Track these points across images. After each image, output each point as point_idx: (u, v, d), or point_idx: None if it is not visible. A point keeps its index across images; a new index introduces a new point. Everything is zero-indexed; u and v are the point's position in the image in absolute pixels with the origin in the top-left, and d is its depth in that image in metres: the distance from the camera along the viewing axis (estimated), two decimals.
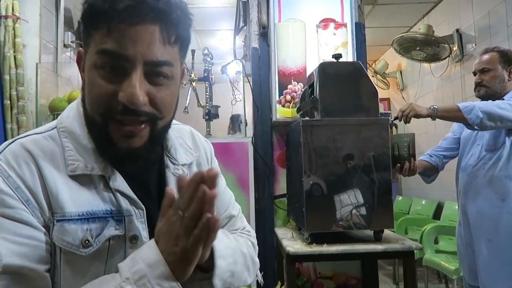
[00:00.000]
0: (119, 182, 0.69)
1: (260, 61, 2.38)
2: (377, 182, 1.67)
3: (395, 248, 1.67)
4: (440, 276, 3.77)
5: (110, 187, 0.68)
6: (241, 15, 2.67)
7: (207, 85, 2.41)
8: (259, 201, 2.33)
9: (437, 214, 4.06)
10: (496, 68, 1.98)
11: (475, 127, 1.80)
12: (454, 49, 3.61)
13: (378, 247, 1.66)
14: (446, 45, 3.55)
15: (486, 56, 2.04)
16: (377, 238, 1.73)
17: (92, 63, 0.64)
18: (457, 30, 3.62)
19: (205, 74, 2.39)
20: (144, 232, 0.69)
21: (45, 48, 2.36)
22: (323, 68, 1.71)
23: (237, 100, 2.38)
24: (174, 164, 0.78)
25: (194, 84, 2.48)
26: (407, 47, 3.70)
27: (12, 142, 0.67)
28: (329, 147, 1.67)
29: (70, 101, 2.18)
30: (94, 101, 0.65)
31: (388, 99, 5.52)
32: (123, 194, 0.69)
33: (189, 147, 0.84)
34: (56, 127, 0.70)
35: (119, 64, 0.62)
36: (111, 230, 0.66)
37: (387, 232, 1.81)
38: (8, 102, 2.11)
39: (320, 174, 1.67)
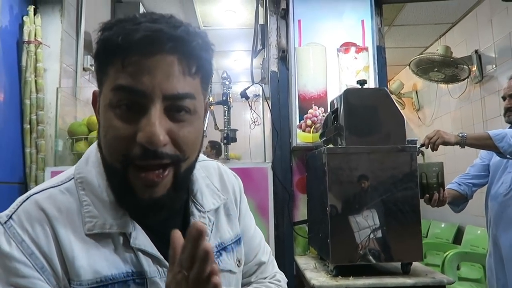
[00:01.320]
0: (140, 239, 0.63)
1: (279, 84, 2.36)
2: (406, 213, 1.61)
3: (425, 282, 1.59)
4: None
5: (131, 246, 0.62)
6: (259, 38, 2.66)
7: (225, 108, 2.39)
8: (278, 228, 2.27)
9: (457, 238, 3.94)
10: None
11: (507, 156, 1.74)
12: (473, 70, 3.56)
13: (407, 281, 1.59)
14: (464, 66, 3.50)
15: None
16: (405, 270, 1.66)
17: (108, 102, 0.58)
18: (476, 51, 3.57)
19: (224, 98, 2.37)
20: None
21: (65, 72, 2.37)
22: (348, 94, 1.67)
23: (256, 124, 2.34)
24: (200, 211, 0.71)
25: (211, 107, 2.46)
26: (425, 68, 3.65)
27: (27, 199, 0.62)
28: (355, 176, 1.62)
29: (89, 125, 2.17)
30: (112, 146, 0.58)
31: None
32: (146, 253, 0.63)
33: (216, 188, 0.78)
34: (73, 178, 0.65)
35: (135, 100, 0.57)
36: None
37: (414, 263, 1.74)
38: (28, 126, 2.10)
39: (345, 204, 1.61)
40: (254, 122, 2.33)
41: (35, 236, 0.58)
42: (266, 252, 0.88)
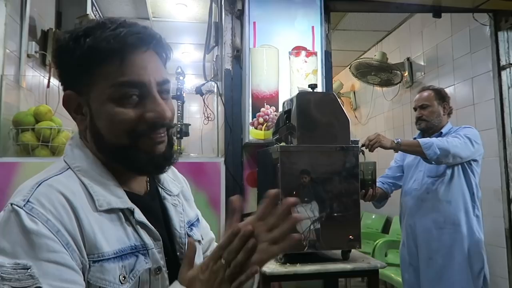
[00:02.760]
0: (140, 215, 0.73)
1: (232, 82, 2.45)
2: (348, 205, 1.80)
3: (362, 267, 1.80)
4: (386, 286, 4.01)
5: (135, 219, 0.72)
6: (212, 35, 2.72)
7: (179, 103, 2.43)
8: (228, 219, 2.37)
9: (385, 228, 4.33)
10: (433, 104, 2.25)
11: (432, 162, 2.00)
12: (405, 75, 3.91)
13: (347, 266, 1.78)
14: (398, 71, 3.83)
15: (424, 94, 2.30)
16: (345, 257, 1.85)
17: (107, 97, 0.70)
18: (408, 59, 3.93)
19: (178, 93, 2.41)
20: (162, 262, 0.75)
21: (8, 59, 2.26)
22: (300, 97, 1.82)
23: (210, 119, 2.42)
24: (170, 195, 0.85)
25: None
26: (363, 72, 3.94)
27: (39, 185, 0.67)
28: (305, 172, 1.77)
29: (36, 115, 2.11)
30: (118, 129, 0.70)
31: None
32: (145, 227, 0.73)
33: (172, 178, 0.91)
34: (69, 168, 0.73)
35: (137, 90, 0.70)
36: (142, 264, 0.71)
37: (352, 250, 1.94)
38: None
39: (295, 197, 1.76)
40: (208, 117, 2.40)
41: (59, 215, 0.64)
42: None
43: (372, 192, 2.01)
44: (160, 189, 0.85)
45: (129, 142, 0.71)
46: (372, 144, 1.99)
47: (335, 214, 1.78)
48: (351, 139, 1.86)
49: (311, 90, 1.87)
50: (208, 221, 2.18)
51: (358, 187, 1.82)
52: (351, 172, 1.81)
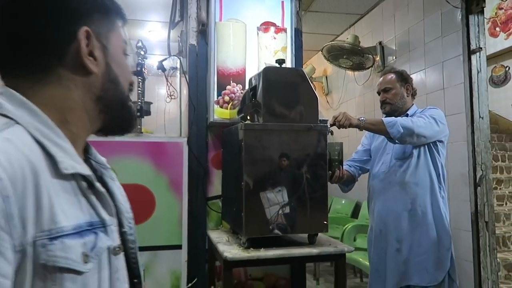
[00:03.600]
0: (99, 185, 0.65)
1: (197, 58, 2.31)
2: (315, 188, 1.72)
3: (329, 251, 1.73)
4: (355, 271, 4.03)
5: (96, 189, 0.64)
6: (177, 9, 2.56)
7: (139, 80, 2.27)
8: (192, 203, 2.26)
9: (355, 213, 4.34)
10: (396, 87, 2.20)
11: (396, 141, 1.95)
12: (377, 59, 3.87)
13: (313, 250, 1.71)
14: (370, 55, 3.79)
15: (386, 77, 2.25)
16: (312, 241, 1.78)
17: (122, 50, 0.73)
18: (380, 43, 3.88)
19: (138, 68, 2.26)
20: (119, 241, 0.67)
21: None
22: (267, 72, 1.71)
23: (172, 98, 2.28)
24: (104, 168, 0.75)
25: None
26: (335, 54, 3.87)
27: None
28: (270, 152, 1.68)
29: None
30: (128, 80, 0.74)
31: None
32: (102, 200, 0.65)
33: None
34: (16, 122, 0.57)
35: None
36: (104, 241, 0.61)
37: (319, 234, 1.87)
38: None
39: (260, 180, 1.66)
40: (170, 96, 2.26)
41: (14, 177, 0.50)
42: None
43: (339, 174, 1.95)
44: (92, 161, 0.74)
45: (127, 93, 0.73)
46: (342, 123, 1.92)
47: (302, 197, 1.70)
48: (320, 118, 1.77)
49: (279, 66, 1.76)
50: (168, 205, 2.06)
51: (326, 168, 1.75)
52: (319, 153, 1.73)
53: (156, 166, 2.07)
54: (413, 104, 2.24)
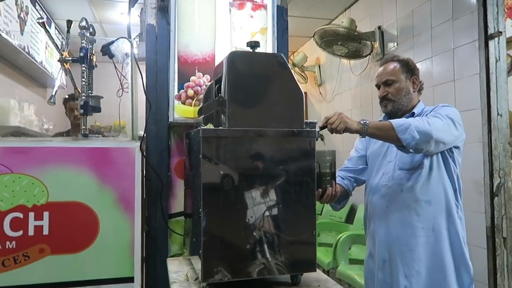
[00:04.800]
0: None
1: (157, 42, 1.85)
2: (300, 215, 1.29)
3: None
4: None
5: None
6: None
7: (84, 68, 1.81)
8: (151, 222, 1.83)
9: (349, 217, 3.93)
10: (400, 79, 1.74)
11: (410, 150, 1.51)
12: (376, 46, 3.43)
13: None
14: (368, 42, 3.34)
15: (389, 67, 1.79)
16: (295, 282, 1.36)
17: None
18: (379, 27, 3.44)
19: (81, 54, 1.80)
20: None
21: None
22: (235, 59, 1.26)
23: (125, 91, 1.83)
24: None
25: (66, 65, 1.87)
26: (329, 40, 3.43)
27: None
28: (238, 167, 1.24)
29: None
30: None
31: (305, 93, 5.30)
32: None
33: None
34: None
35: None
36: None
37: None
38: None
39: (224, 205, 1.23)
40: (123, 89, 1.81)
41: None
42: None
43: (331, 191, 1.52)
44: None
45: None
46: (336, 127, 1.47)
47: (282, 228, 1.27)
48: (305, 120, 1.34)
49: (251, 51, 1.31)
50: (116, 227, 1.63)
51: (314, 187, 1.32)
52: (305, 168, 1.30)
53: (100, 178, 1.63)
54: (419, 101, 1.80)
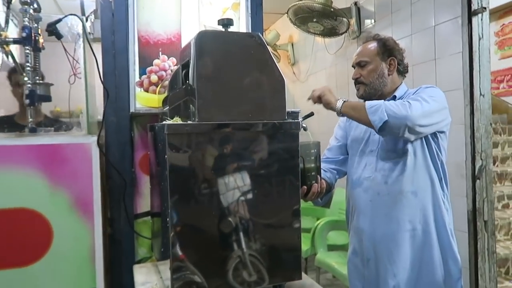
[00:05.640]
0: None
1: (114, 20, 1.62)
2: (283, 220, 1.13)
3: None
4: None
5: None
6: None
7: (28, 51, 1.56)
8: (114, 224, 1.64)
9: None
10: (374, 60, 1.60)
11: (382, 134, 1.41)
12: (352, 23, 3.27)
13: None
14: (344, 18, 3.18)
15: (365, 47, 1.64)
16: None
17: None
18: (355, 3, 3.27)
19: (24, 34, 1.54)
20: None
21: None
22: (204, 40, 1.06)
23: (78, 77, 1.59)
24: None
25: (7, 48, 1.61)
26: (303, 17, 3.24)
27: None
28: (210, 167, 1.07)
29: None
30: None
31: None
32: None
33: None
34: None
35: None
36: None
37: None
38: None
39: (195, 211, 1.06)
40: (76, 74, 1.57)
41: None
42: None
43: (316, 188, 1.37)
44: None
45: None
46: (314, 96, 1.46)
47: (263, 234, 1.12)
48: (288, 110, 1.17)
49: (223, 30, 1.12)
50: (73, 234, 1.42)
51: (298, 187, 1.16)
52: (288, 165, 1.14)
53: (51, 180, 1.41)
54: (401, 83, 1.66)
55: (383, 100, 1.46)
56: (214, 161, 1.06)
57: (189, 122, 1.07)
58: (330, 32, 3.36)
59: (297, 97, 4.56)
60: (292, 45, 4.65)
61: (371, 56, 1.59)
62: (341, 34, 3.35)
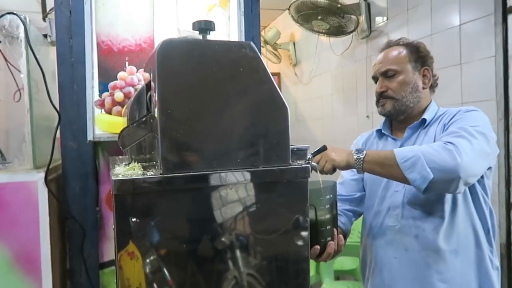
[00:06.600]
0: None
1: (72, 20, 1.28)
2: None
3: None
4: None
5: None
6: None
7: None
8: (75, 277, 1.31)
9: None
10: (406, 70, 1.26)
11: (426, 194, 1.05)
12: (361, 21, 2.92)
13: None
14: (353, 16, 2.83)
15: (391, 53, 1.29)
16: None
17: None
18: None
19: None
20: None
21: None
22: (169, 53, 0.72)
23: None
24: None
25: None
26: (307, 14, 2.89)
27: None
28: (186, 239, 0.73)
29: None
30: None
31: (278, 74, 4.77)
32: None
33: None
34: None
35: None
36: None
37: None
38: None
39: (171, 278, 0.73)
40: (20, 90, 1.23)
41: None
42: None
43: (333, 248, 1.03)
44: None
45: None
46: (322, 168, 1.06)
47: None
48: (292, 147, 0.83)
49: (200, 37, 0.78)
50: None
51: (307, 260, 0.83)
52: (294, 228, 0.80)
53: None
54: (431, 101, 1.32)
55: (417, 147, 1.09)
56: (188, 231, 0.73)
57: (150, 173, 0.73)
58: (337, 31, 3.01)
59: (299, 101, 4.23)
60: (294, 44, 4.30)
61: (401, 65, 1.25)
62: (349, 33, 3.00)
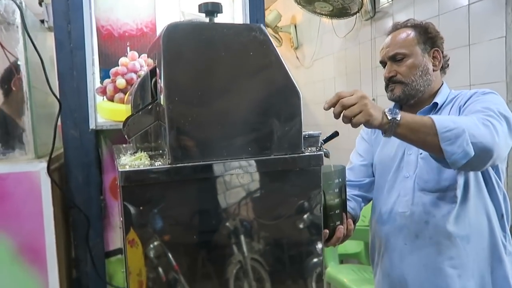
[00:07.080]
0: None
1: (69, 5, 1.23)
2: None
3: None
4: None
5: None
6: None
7: None
8: (81, 266, 1.30)
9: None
10: (415, 53, 1.20)
11: (454, 167, 0.99)
12: (365, 2, 2.85)
13: None
14: None
15: (399, 35, 1.23)
16: None
17: None
18: None
19: None
20: None
21: None
22: (175, 37, 0.69)
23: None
24: None
25: None
26: None
27: None
28: (193, 232, 0.71)
29: None
30: None
31: None
32: None
33: None
34: None
35: None
36: None
37: None
38: None
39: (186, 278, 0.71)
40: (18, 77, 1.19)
41: None
42: None
43: (342, 231, 1.01)
44: None
45: None
46: (352, 117, 0.91)
47: None
48: (304, 132, 0.80)
49: (207, 20, 0.74)
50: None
51: (320, 252, 0.81)
52: (305, 219, 0.78)
53: None
54: (443, 84, 1.27)
55: (457, 118, 1.03)
56: (197, 224, 0.71)
57: (157, 163, 0.70)
58: (340, 13, 2.94)
59: (301, 85, 4.16)
60: (295, 26, 4.22)
61: (410, 47, 1.20)
62: (352, 14, 2.94)
